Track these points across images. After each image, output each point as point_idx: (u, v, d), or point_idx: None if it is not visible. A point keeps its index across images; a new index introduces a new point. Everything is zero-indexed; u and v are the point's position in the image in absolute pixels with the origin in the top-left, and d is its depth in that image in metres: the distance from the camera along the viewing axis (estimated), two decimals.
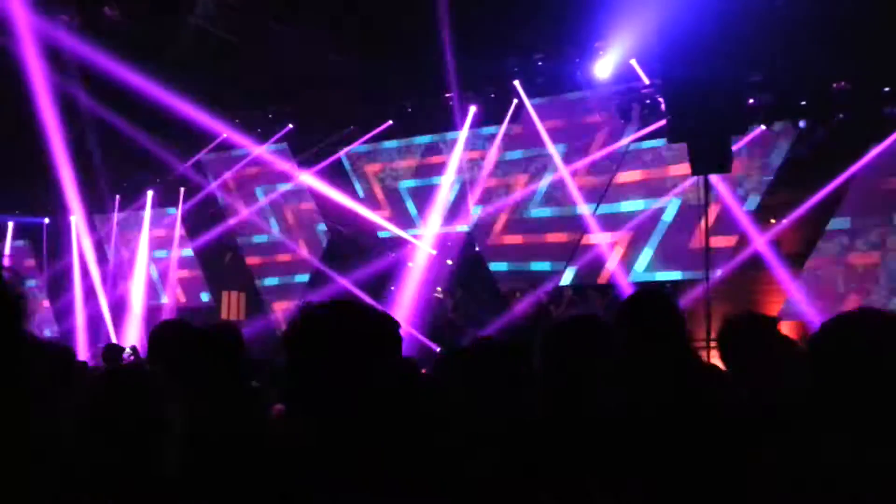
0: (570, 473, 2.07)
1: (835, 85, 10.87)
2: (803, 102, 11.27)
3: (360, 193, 14.91)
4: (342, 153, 14.84)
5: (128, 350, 9.17)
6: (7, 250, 16.52)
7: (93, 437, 1.83)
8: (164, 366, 2.99)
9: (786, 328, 10.15)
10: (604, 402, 2.34)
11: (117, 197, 15.95)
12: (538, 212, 13.40)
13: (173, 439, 1.87)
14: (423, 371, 4.73)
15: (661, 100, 10.88)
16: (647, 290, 2.73)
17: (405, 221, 14.39)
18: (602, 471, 2.13)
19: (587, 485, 2.06)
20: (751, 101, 10.79)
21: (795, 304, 11.22)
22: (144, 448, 1.86)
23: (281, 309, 15.37)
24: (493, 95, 13.12)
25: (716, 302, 10.84)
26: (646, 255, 12.38)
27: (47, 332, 17.19)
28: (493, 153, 13.57)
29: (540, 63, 12.33)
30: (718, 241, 11.53)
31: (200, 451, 2.08)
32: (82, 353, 13.63)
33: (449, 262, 13.30)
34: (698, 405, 2.35)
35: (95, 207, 15.94)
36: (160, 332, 3.35)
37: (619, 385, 2.36)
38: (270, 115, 14.38)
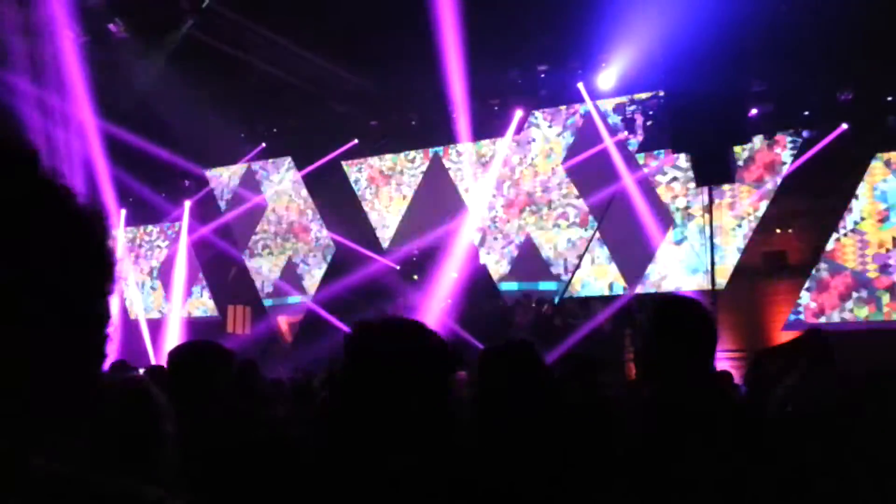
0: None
1: (839, 94, 10.86)
2: (807, 112, 11.25)
3: (364, 205, 14.91)
4: (346, 166, 14.89)
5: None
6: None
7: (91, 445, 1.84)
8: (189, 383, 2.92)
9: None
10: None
11: (123, 211, 15.99)
12: (542, 223, 13.37)
13: (168, 450, 1.87)
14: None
15: (664, 111, 10.87)
16: (677, 298, 2.55)
17: (410, 233, 14.37)
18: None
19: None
20: (754, 111, 10.77)
21: (802, 314, 11.16)
22: (140, 458, 1.87)
23: (285, 322, 15.37)
24: (496, 108, 13.12)
25: (722, 313, 10.80)
26: (651, 266, 12.32)
27: None
28: (496, 165, 13.56)
29: (543, 75, 12.33)
30: (723, 251, 11.50)
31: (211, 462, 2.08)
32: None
33: (454, 273, 13.25)
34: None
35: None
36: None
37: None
38: (275, 129, 14.42)
